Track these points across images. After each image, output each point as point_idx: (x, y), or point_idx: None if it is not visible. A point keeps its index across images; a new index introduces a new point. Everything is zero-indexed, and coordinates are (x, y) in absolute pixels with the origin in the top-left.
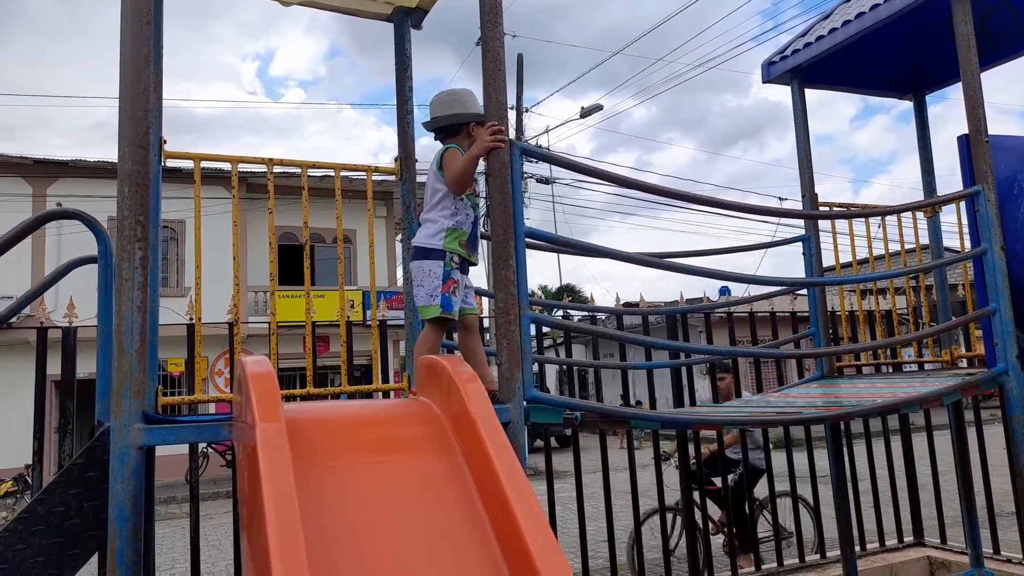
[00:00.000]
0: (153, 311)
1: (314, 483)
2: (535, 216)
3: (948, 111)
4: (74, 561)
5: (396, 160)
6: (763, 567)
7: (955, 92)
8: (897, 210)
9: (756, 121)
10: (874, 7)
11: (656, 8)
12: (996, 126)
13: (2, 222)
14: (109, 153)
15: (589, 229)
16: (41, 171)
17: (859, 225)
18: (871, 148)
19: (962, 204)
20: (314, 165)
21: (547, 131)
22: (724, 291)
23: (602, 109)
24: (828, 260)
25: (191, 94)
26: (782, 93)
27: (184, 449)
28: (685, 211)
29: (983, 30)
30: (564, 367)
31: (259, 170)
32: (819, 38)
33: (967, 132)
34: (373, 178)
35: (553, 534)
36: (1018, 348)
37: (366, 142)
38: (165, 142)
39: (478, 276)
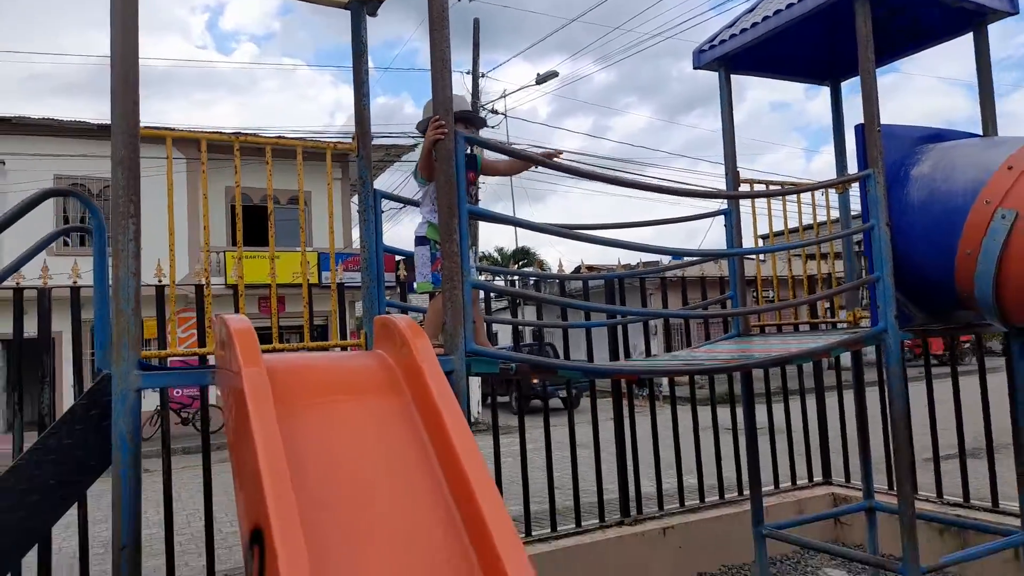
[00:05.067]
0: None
1: (290, 418)
2: (491, 182)
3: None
4: (79, 487)
5: (354, 138)
6: (686, 503)
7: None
8: (803, 189)
9: (712, 88)
10: (790, 5)
11: None
12: (945, 99)
13: None
14: (52, 109)
15: (547, 192)
16: None
17: (783, 200)
18: (823, 116)
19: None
20: (278, 143)
21: (504, 96)
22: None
23: (557, 76)
24: (762, 229)
25: (143, 48)
26: None
27: (148, 410)
28: (641, 176)
29: (889, 26)
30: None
31: (217, 129)
32: (743, 30)
33: (863, 122)
34: (328, 139)
35: (483, 459)
36: (900, 310)
37: (322, 100)
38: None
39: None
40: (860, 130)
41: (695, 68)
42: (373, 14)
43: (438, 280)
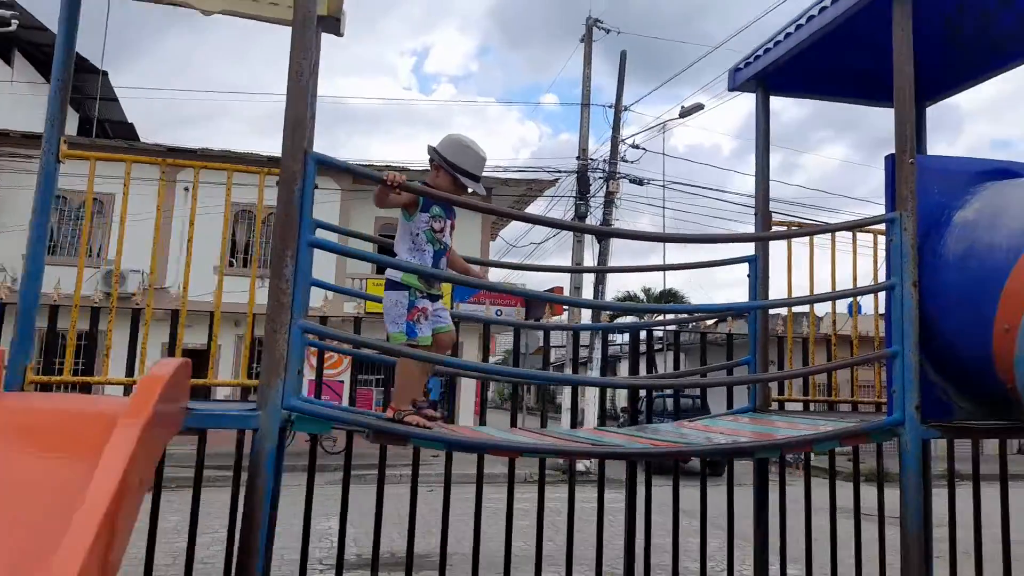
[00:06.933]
0: None
1: None
2: (625, 218)
3: None
4: None
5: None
6: None
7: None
8: (816, 232)
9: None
10: (822, 9)
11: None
12: None
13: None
14: (263, 146)
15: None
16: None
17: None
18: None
19: None
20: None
21: (663, 126)
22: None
23: (703, 108)
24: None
25: (356, 88)
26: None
27: None
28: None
29: (985, 35)
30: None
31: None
32: (777, 43)
33: (894, 151)
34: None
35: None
36: (934, 398)
37: (509, 135)
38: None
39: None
40: (890, 162)
41: (730, 89)
42: (339, 33)
43: (413, 332)
